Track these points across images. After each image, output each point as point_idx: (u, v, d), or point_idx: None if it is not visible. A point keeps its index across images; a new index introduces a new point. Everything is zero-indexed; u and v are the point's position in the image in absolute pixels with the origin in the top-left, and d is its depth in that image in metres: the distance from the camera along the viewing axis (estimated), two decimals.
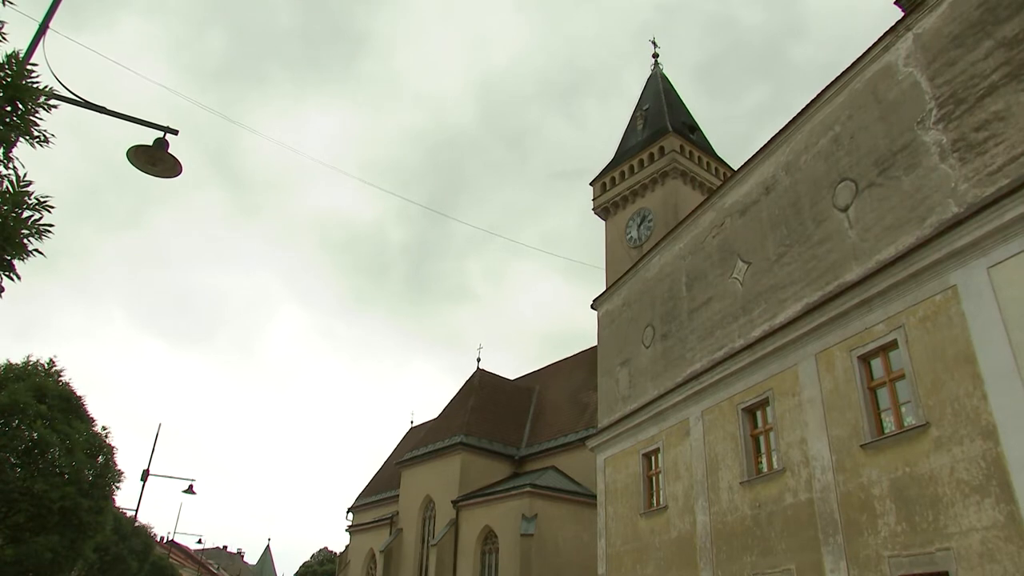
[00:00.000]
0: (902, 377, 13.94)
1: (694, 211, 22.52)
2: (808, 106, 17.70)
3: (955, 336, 12.83)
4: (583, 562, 26.79)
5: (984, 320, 12.34)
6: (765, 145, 19.14)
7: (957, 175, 13.45)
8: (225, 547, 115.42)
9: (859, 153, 15.96)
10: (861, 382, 14.79)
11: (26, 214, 7.23)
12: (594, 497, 25.71)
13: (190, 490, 30.97)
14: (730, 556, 17.54)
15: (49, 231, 7.71)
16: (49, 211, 7.73)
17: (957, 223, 12.90)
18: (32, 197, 7.35)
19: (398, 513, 38.68)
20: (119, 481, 19.31)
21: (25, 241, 7.43)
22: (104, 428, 19.25)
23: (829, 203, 16.53)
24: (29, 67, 6.35)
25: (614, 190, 39.58)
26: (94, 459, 18.25)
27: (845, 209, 16.01)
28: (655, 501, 21.71)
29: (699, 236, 21.75)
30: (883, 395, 14.55)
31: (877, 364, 14.76)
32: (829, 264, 16.21)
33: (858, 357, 14.96)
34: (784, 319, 17.15)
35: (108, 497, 19.08)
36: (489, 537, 31.08)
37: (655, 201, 36.63)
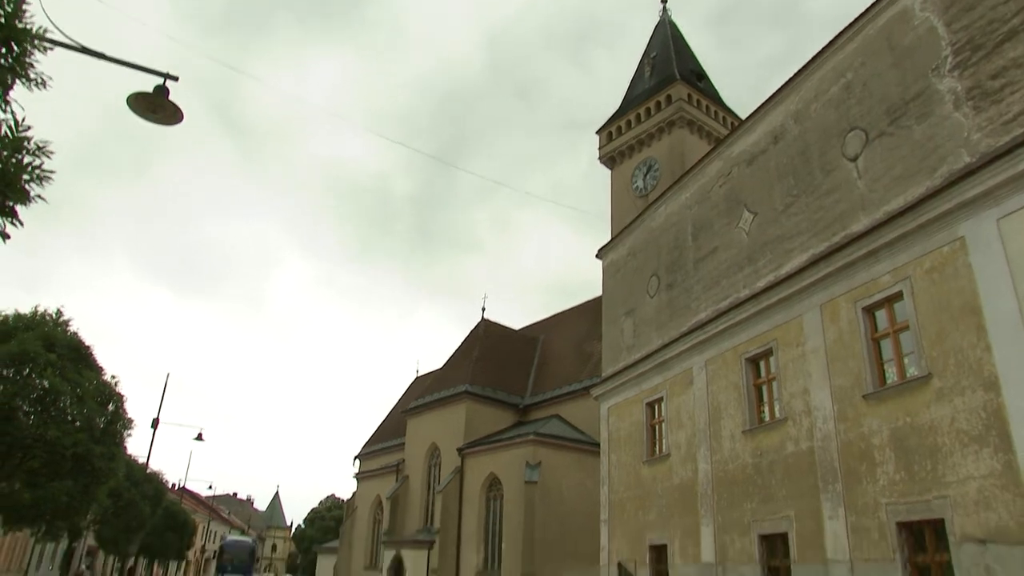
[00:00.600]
0: (906, 328, 13.95)
1: (701, 160, 22.26)
2: (820, 53, 17.32)
3: (961, 287, 12.78)
4: (586, 509, 27.30)
5: (991, 272, 12.27)
6: (775, 93, 18.80)
7: (971, 124, 13.21)
8: (235, 494, 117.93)
9: (871, 101, 15.67)
10: (865, 333, 14.81)
11: (26, 160, 7.18)
12: (597, 445, 26.06)
13: (199, 438, 31.55)
14: (731, 503, 17.85)
15: (50, 177, 7.67)
16: (49, 157, 7.68)
17: (968, 173, 12.72)
18: (32, 142, 7.30)
19: (404, 461, 39.35)
20: (129, 429, 19.66)
21: (26, 187, 7.41)
22: (113, 377, 19.51)
23: (838, 152, 16.30)
24: (24, 7, 6.22)
25: (620, 139, 39.08)
26: (104, 407, 18.54)
27: (854, 159, 15.79)
28: (658, 449, 22.01)
29: (705, 186, 21.55)
30: (886, 346, 14.59)
31: (882, 315, 14.76)
32: (836, 215, 16.07)
33: (863, 308, 14.95)
34: (790, 269, 17.10)
35: (119, 444, 19.45)
36: (494, 484, 31.64)
37: (662, 150, 36.19)
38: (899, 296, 14.13)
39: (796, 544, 15.58)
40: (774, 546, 16.56)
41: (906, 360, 14.04)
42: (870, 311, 14.94)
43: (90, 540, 42.01)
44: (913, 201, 13.85)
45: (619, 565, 22.08)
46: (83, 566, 49.96)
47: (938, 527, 12.65)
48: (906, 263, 13.99)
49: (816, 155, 17.05)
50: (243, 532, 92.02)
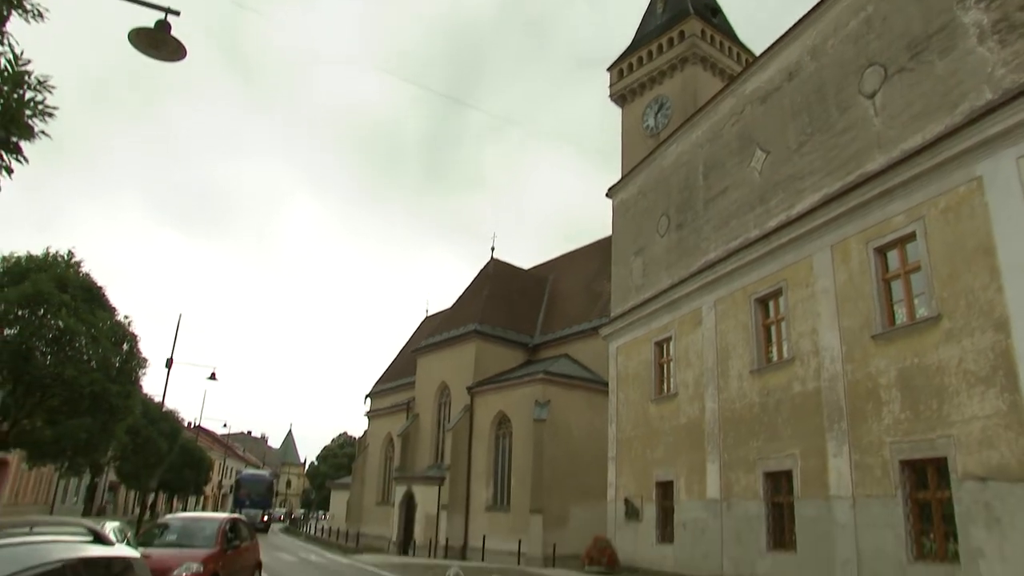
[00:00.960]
0: (918, 269, 13.87)
1: (713, 98, 21.83)
2: None
3: (976, 228, 12.64)
4: (594, 446, 27.75)
5: (1008, 211, 12.11)
6: (791, 28, 18.26)
7: (995, 59, 12.83)
8: (249, 432, 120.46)
9: (891, 36, 15.21)
10: (876, 274, 14.74)
11: (28, 95, 7.11)
12: (606, 384, 26.34)
13: (213, 377, 32.03)
14: (737, 441, 18.12)
15: (52, 112, 7.59)
16: (51, 92, 7.58)
17: (990, 110, 12.43)
18: (32, 77, 7.21)
19: (414, 399, 39.89)
20: (144, 368, 19.97)
21: (29, 122, 7.35)
22: (126, 317, 19.73)
23: (855, 89, 15.92)
24: None
25: (631, 76, 38.23)
26: (118, 347, 18.81)
27: (872, 96, 15.43)
28: (666, 388, 22.25)
29: (717, 124, 21.17)
30: (897, 287, 14.54)
31: (893, 256, 14.66)
32: (851, 153, 15.80)
33: (874, 249, 14.84)
34: (801, 209, 16.93)
35: (135, 383, 19.81)
36: (503, 422, 32.13)
37: (674, 88, 35.43)
38: (912, 237, 13.99)
39: (800, 481, 15.87)
40: (778, 483, 16.87)
41: (916, 301, 14.00)
42: (882, 252, 14.84)
43: (111, 476, 43.26)
44: (931, 139, 13.59)
45: (626, 501, 22.60)
46: (106, 500, 51.56)
47: (940, 465, 12.84)
48: (921, 203, 13.81)
49: (832, 92, 16.66)
50: (259, 468, 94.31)
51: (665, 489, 21.19)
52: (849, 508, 14.36)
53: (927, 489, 13.19)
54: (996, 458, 11.74)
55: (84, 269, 19.03)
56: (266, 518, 49.23)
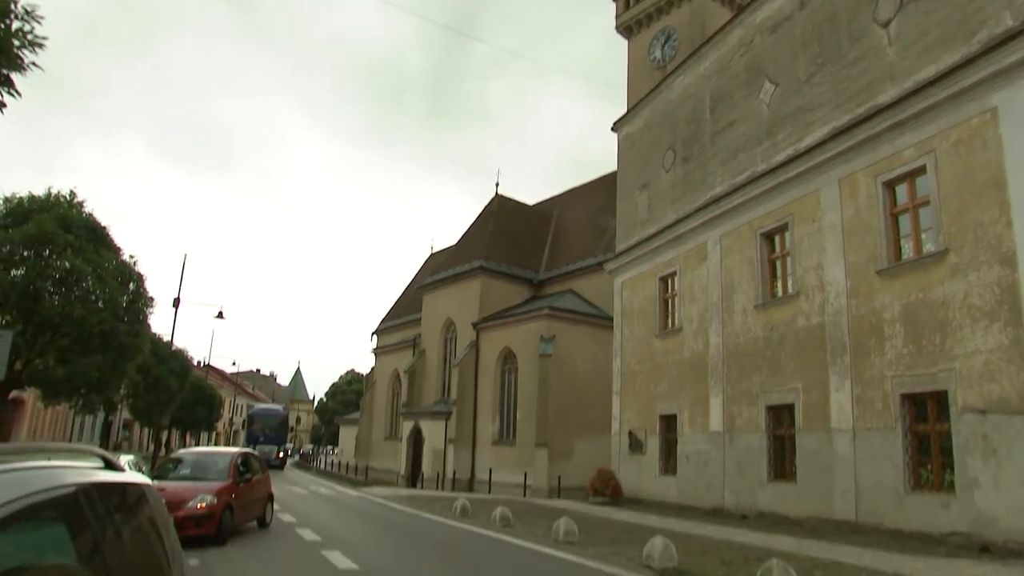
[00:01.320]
0: (926, 204, 13.70)
1: (722, 28, 21.19)
2: None
3: (988, 161, 12.42)
4: (599, 381, 28.08)
5: (1022, 143, 11.87)
6: None
7: None
8: (258, 370, 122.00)
9: None
10: (884, 208, 14.58)
11: (15, 25, 6.95)
12: (611, 319, 26.47)
13: (220, 316, 32.24)
14: (740, 375, 18.30)
15: (42, 43, 7.41)
16: (39, 22, 7.38)
17: (1009, 38, 12.04)
18: (19, 6, 7.02)
19: (421, 336, 40.26)
20: (151, 307, 20.05)
21: (19, 54, 7.20)
22: (131, 257, 19.71)
23: (869, 18, 15.42)
24: None
25: (638, 7, 37.05)
26: (125, 286, 18.84)
27: (886, 24, 14.95)
28: (670, 323, 22.36)
29: (725, 55, 20.62)
30: (904, 222, 14.40)
31: (902, 190, 14.47)
32: (863, 85, 15.41)
33: (883, 183, 14.64)
34: (810, 143, 16.64)
35: (143, 321, 19.92)
36: (508, 358, 32.46)
37: (681, 18, 34.37)
38: (922, 170, 13.78)
39: (802, 414, 16.08)
40: (780, 416, 17.11)
41: (923, 236, 13.89)
42: (890, 186, 14.64)
43: (125, 414, 44.02)
44: (946, 69, 13.21)
45: (630, 434, 23.01)
46: (121, 437, 52.71)
47: (941, 398, 12.97)
48: (932, 135, 13.55)
49: (845, 21, 16.14)
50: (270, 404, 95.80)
51: (668, 422, 21.53)
52: (849, 441, 14.59)
53: (926, 422, 13.36)
54: (996, 391, 11.84)
55: (87, 209, 18.93)
56: (281, 455, 46.19)
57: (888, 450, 13.73)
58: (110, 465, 2.44)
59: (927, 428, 13.33)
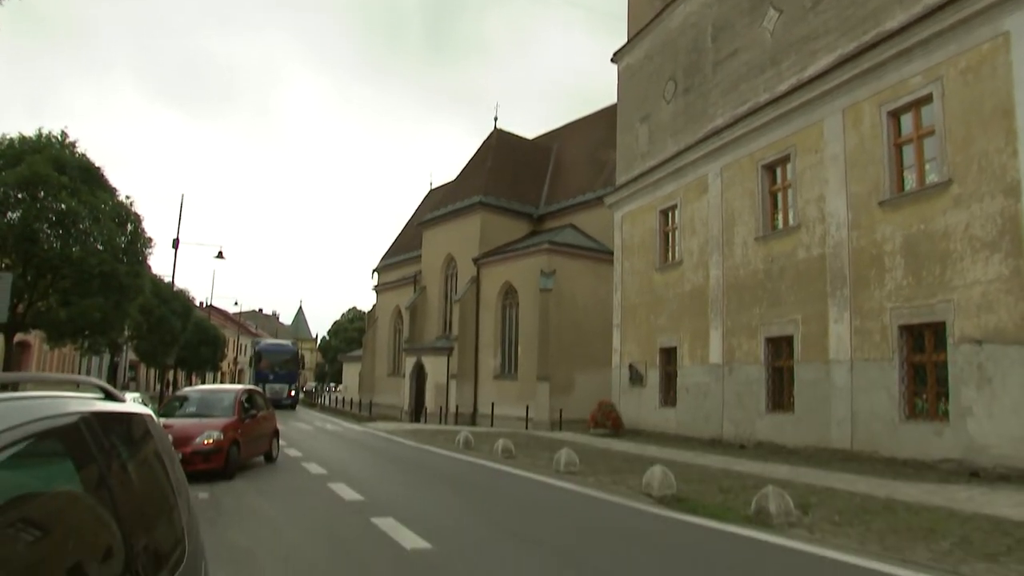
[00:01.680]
0: (931, 134, 13.49)
1: None
2: None
3: (996, 88, 12.16)
4: (599, 315, 28.23)
5: None
6: None
7: None
8: (260, 310, 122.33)
9: None
10: (888, 138, 14.37)
11: None
12: (611, 253, 26.44)
13: (220, 256, 32.11)
14: (740, 307, 18.37)
15: None
16: None
17: None
18: None
19: (421, 272, 40.30)
20: (150, 247, 19.98)
21: None
22: (128, 197, 19.53)
23: None
24: None
25: None
26: (122, 227, 18.73)
27: None
28: (670, 256, 22.34)
29: None
30: (908, 152, 14.21)
31: (907, 119, 14.23)
32: (870, 10, 14.97)
33: (888, 112, 14.38)
34: (814, 72, 16.27)
35: (142, 262, 19.88)
36: (509, 292, 32.56)
37: None
38: (928, 99, 13.51)
39: (800, 346, 16.22)
40: (779, 348, 17.26)
41: (927, 166, 13.73)
42: (895, 115, 14.39)
43: (131, 355, 44.38)
44: None
45: (630, 367, 23.27)
46: (128, 378, 53.31)
47: (938, 329, 13.05)
48: (940, 63, 13.23)
49: None
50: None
51: (668, 355, 21.74)
52: (847, 371, 14.75)
53: (923, 353, 13.48)
54: (994, 321, 11.91)
55: (80, 149, 18.67)
56: (293, 393, 41.83)
57: (884, 380, 13.90)
58: (110, 396, 2.44)
59: (923, 359, 13.46)
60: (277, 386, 39.83)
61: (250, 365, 49.38)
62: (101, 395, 2.41)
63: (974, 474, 11.86)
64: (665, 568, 6.38)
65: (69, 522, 1.79)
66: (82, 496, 1.88)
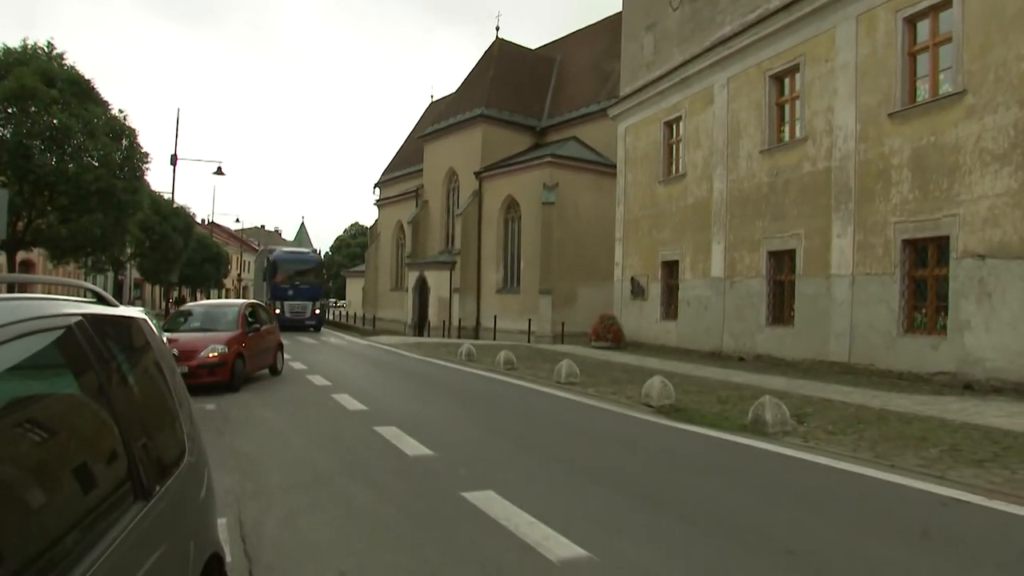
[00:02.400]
0: (948, 41, 13.03)
1: None
2: None
3: None
4: (602, 228, 28.10)
5: None
6: None
7: None
8: (262, 226, 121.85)
9: None
10: (902, 46, 13.89)
11: None
12: (614, 166, 26.09)
13: (219, 172, 31.70)
14: (743, 221, 18.26)
15: None
16: None
17: None
18: None
19: (423, 186, 39.91)
20: (147, 162, 19.66)
21: None
22: (121, 111, 19.08)
23: None
24: None
25: None
26: (118, 142, 18.38)
27: None
28: (674, 169, 22.05)
29: None
30: (923, 61, 13.77)
31: (923, 26, 13.72)
32: None
33: (904, 18, 13.85)
34: None
35: (140, 178, 19.62)
36: (512, 206, 32.32)
37: None
38: (947, 4, 12.98)
39: (802, 260, 16.20)
40: (781, 262, 17.25)
41: (941, 76, 13.32)
42: (911, 21, 13.86)
43: (135, 274, 44.39)
44: None
45: (632, 280, 23.34)
46: (134, 296, 53.61)
47: (942, 244, 12.99)
48: None
49: None
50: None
51: (670, 268, 21.77)
52: (848, 286, 14.79)
53: (925, 267, 13.46)
54: (998, 236, 11.83)
55: (68, 61, 18.11)
56: (317, 311, 33.88)
57: (885, 295, 13.94)
58: (103, 300, 2.43)
59: (925, 273, 13.46)
60: (298, 303, 32.63)
61: (263, 279, 39.43)
62: (94, 299, 2.39)
63: (968, 387, 12.05)
64: (657, 469, 6.57)
65: (68, 425, 1.81)
66: (80, 398, 1.89)
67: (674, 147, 22.14)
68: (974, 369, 12.10)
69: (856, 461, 6.87)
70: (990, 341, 11.89)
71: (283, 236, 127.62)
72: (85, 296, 2.45)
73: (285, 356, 16.17)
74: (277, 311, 28.67)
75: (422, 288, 36.91)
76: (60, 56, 17.95)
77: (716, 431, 8.54)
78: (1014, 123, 11.65)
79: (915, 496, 5.66)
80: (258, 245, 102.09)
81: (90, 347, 1.94)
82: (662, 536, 4.64)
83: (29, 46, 17.53)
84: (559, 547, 4.31)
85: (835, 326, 15.07)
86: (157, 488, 2.07)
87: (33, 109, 16.29)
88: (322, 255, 48.56)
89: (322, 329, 34.23)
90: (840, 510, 5.32)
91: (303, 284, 33.25)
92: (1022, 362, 11.42)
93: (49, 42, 18.00)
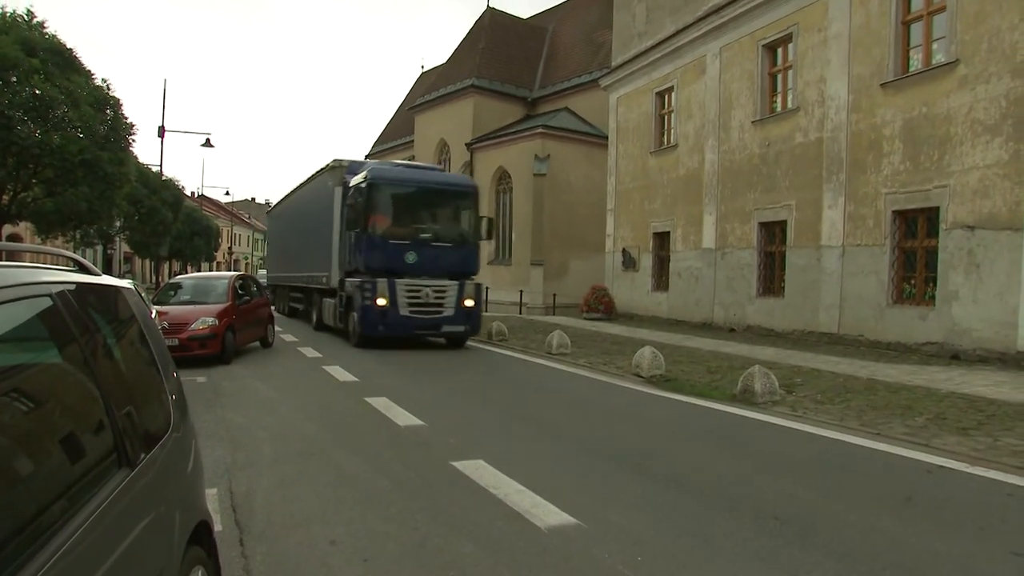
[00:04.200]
0: (942, 10, 12.93)
1: None
2: None
3: None
4: (593, 199, 28.04)
5: None
6: None
7: None
8: (253, 199, 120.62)
9: None
10: (896, 15, 13.79)
11: None
12: (606, 138, 25.95)
13: (208, 143, 31.30)
14: (735, 192, 18.23)
15: None
16: None
17: None
18: None
19: (413, 158, 39.60)
20: (132, 133, 19.29)
21: None
22: (105, 81, 18.67)
23: None
24: None
25: None
26: (102, 112, 18.01)
27: None
28: (666, 140, 21.95)
29: None
30: (916, 31, 13.68)
31: None
32: None
33: None
34: None
35: (126, 149, 19.24)
36: (503, 177, 32.18)
37: None
38: None
39: (793, 231, 16.22)
40: (772, 233, 17.27)
41: (934, 46, 13.25)
42: None
43: (125, 248, 43.78)
44: None
45: (624, 251, 23.34)
46: (124, 270, 53.28)
47: (932, 215, 13.02)
48: None
49: None
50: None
51: (662, 239, 21.77)
52: (838, 257, 14.83)
53: (915, 239, 13.51)
54: (988, 207, 11.86)
55: (49, 30, 17.68)
56: (469, 303, 14.72)
57: (875, 266, 14.00)
58: (84, 269, 2.40)
59: (915, 244, 13.51)
60: (428, 287, 14.42)
61: (342, 226, 16.24)
62: (75, 268, 2.37)
63: (955, 356, 12.17)
64: (646, 439, 6.62)
65: (50, 393, 1.79)
66: (62, 366, 1.87)
67: (666, 118, 22.01)
68: (961, 339, 12.21)
69: (843, 430, 6.95)
70: (977, 312, 11.98)
71: None
72: (69, 266, 2.42)
73: (276, 328, 16.12)
74: (380, 300, 13.84)
75: None
76: (41, 24, 17.53)
77: (706, 401, 8.61)
78: (1006, 93, 11.62)
79: (900, 463, 5.74)
80: (248, 218, 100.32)
81: (72, 316, 1.92)
82: (650, 503, 4.69)
83: (8, 14, 17.11)
84: (548, 515, 4.35)
85: (825, 297, 15.15)
86: (142, 456, 2.07)
87: (14, 79, 15.92)
88: None
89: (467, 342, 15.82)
90: (826, 478, 5.39)
91: (441, 240, 15.05)
92: (1008, 332, 11.52)
93: (29, 10, 17.60)
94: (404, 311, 13.87)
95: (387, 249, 14.14)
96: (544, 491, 4.78)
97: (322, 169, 18.22)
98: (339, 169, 16.73)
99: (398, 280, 13.95)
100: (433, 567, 3.62)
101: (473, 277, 15.21)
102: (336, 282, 15.96)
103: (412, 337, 14.44)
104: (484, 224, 15.55)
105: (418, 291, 14.08)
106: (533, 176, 29.69)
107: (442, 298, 14.31)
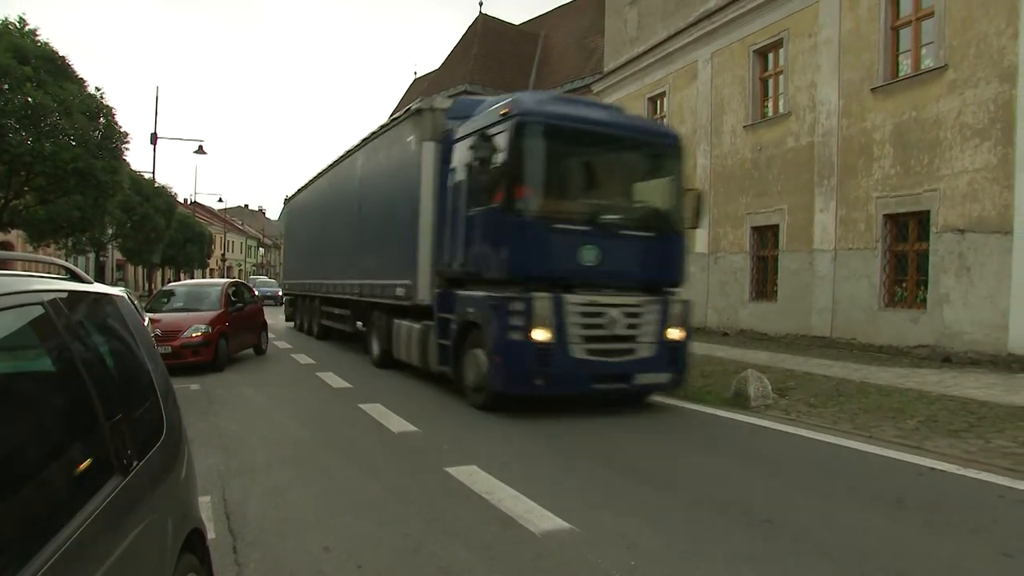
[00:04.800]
0: (931, 15, 13.04)
1: None
2: None
3: None
4: None
5: None
6: None
7: None
8: (246, 205, 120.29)
9: None
10: (885, 21, 13.89)
11: None
12: None
13: (200, 151, 31.25)
14: (727, 197, 18.30)
15: None
16: None
17: None
18: None
19: None
20: (126, 141, 19.21)
21: None
22: (98, 89, 18.60)
23: None
24: None
25: None
26: (95, 120, 17.94)
27: None
28: None
29: None
30: (905, 36, 13.78)
31: (907, 0, 13.72)
32: None
33: None
34: None
35: (119, 158, 19.17)
36: None
37: None
38: None
39: (786, 235, 16.28)
40: (764, 237, 17.33)
41: (923, 51, 13.36)
42: None
43: (117, 255, 43.40)
44: None
45: None
46: (117, 278, 52.99)
47: (922, 219, 13.09)
48: None
49: None
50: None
51: None
52: (830, 261, 14.90)
53: (906, 242, 13.58)
54: (978, 211, 11.94)
55: (42, 37, 17.62)
56: (676, 334, 8.85)
57: (866, 269, 14.07)
58: (76, 277, 2.41)
59: (906, 248, 13.58)
60: (623, 312, 8.30)
61: (439, 218, 9.82)
62: (67, 276, 2.37)
63: (946, 359, 12.22)
64: (639, 443, 6.63)
65: (44, 403, 1.80)
66: (54, 374, 1.88)
67: None
68: (953, 342, 12.27)
69: (836, 433, 6.98)
70: (968, 315, 12.05)
71: (268, 215, 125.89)
72: (60, 274, 2.43)
73: (269, 335, 16.08)
74: (538, 334, 7.79)
75: None
76: (33, 32, 17.48)
77: (699, 405, 8.63)
78: (994, 98, 11.72)
79: (892, 466, 5.77)
80: (242, 225, 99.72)
81: (64, 324, 1.93)
82: (644, 508, 4.70)
83: (0, 22, 17.07)
84: (542, 520, 4.36)
85: (817, 301, 15.20)
86: (135, 464, 2.07)
87: (6, 87, 15.86)
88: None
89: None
90: (819, 481, 5.41)
91: (634, 226, 8.96)
92: (998, 335, 11.59)
93: (21, 17, 17.58)
94: (578, 351, 7.93)
95: (550, 239, 8.16)
96: (537, 496, 4.79)
97: (398, 117, 12.42)
98: (432, 114, 10.38)
99: (568, 296, 7.98)
100: (427, 573, 3.63)
101: (679, 290, 9.66)
102: (427, 295, 9.95)
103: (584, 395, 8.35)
104: (692, 201, 9.91)
105: (599, 315, 8.11)
106: None
107: (636, 326, 8.37)
